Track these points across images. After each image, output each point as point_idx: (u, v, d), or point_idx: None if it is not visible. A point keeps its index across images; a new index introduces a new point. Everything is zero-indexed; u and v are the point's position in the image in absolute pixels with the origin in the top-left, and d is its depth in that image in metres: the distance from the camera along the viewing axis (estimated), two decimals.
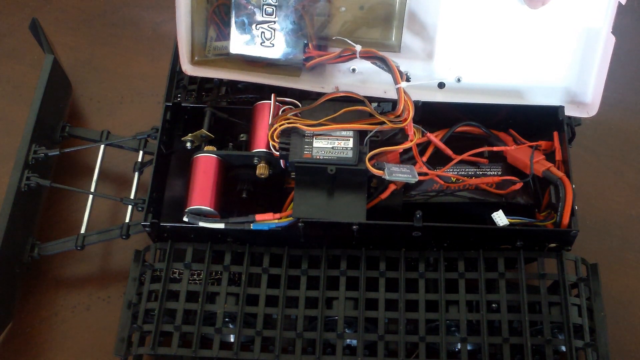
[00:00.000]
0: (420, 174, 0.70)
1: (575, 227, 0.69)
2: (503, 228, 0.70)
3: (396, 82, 0.68)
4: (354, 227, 0.69)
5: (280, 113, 0.73)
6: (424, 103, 0.76)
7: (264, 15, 0.74)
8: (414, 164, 0.73)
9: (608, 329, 0.69)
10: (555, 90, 0.78)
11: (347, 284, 0.71)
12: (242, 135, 0.77)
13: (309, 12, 0.74)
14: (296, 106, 0.74)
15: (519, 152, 0.74)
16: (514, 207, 0.72)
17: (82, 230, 0.79)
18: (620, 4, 0.71)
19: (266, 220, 0.70)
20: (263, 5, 0.74)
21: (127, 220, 0.79)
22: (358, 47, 0.70)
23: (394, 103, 0.73)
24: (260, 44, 0.75)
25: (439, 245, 0.73)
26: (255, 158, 0.73)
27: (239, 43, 0.76)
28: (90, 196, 0.82)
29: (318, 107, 0.71)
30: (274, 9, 0.74)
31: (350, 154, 0.69)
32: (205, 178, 0.73)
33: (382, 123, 0.69)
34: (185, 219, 0.71)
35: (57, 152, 0.83)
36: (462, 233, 0.71)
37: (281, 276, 0.72)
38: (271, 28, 0.74)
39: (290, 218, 0.69)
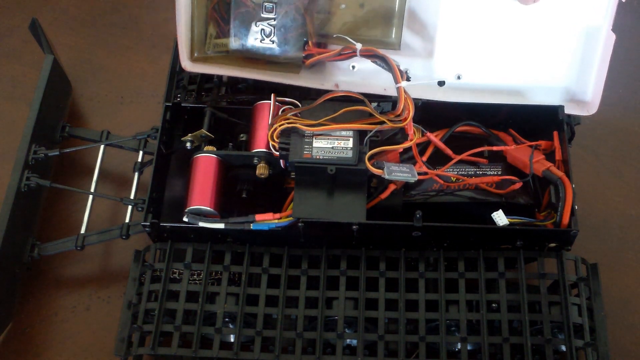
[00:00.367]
0: (420, 173, 0.70)
1: (575, 227, 0.69)
2: (503, 228, 0.70)
3: (396, 81, 0.68)
4: (354, 227, 0.69)
5: (280, 113, 0.73)
6: (424, 103, 0.76)
7: (264, 12, 0.74)
8: (414, 163, 0.73)
9: (608, 329, 0.69)
10: (555, 88, 0.78)
11: (347, 284, 0.71)
12: (242, 135, 0.77)
13: (309, 9, 0.74)
14: (296, 106, 0.74)
15: (519, 151, 0.74)
16: (514, 207, 0.72)
17: (82, 231, 0.79)
18: (620, 2, 0.71)
19: (266, 220, 0.70)
20: (263, 2, 0.74)
21: (127, 220, 0.79)
22: (358, 46, 0.70)
23: (394, 103, 0.73)
24: (260, 41, 0.75)
25: (439, 245, 0.73)
26: (255, 158, 0.73)
27: (238, 40, 0.75)
28: (90, 196, 0.82)
29: (318, 107, 0.71)
30: (274, 6, 0.74)
31: (350, 154, 0.69)
32: (205, 178, 0.73)
33: (382, 122, 0.69)
34: (185, 219, 0.71)
35: (57, 152, 0.83)
36: (462, 233, 0.71)
37: (281, 276, 0.72)
38: (271, 25, 0.74)
39: (290, 218, 0.69)
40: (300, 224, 0.69)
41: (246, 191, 0.75)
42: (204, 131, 0.76)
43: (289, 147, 0.70)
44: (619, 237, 0.85)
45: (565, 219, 0.70)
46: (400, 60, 0.70)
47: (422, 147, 0.76)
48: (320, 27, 0.75)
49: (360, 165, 0.69)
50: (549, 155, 0.75)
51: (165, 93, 0.80)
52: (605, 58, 0.74)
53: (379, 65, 0.70)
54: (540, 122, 0.78)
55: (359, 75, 0.77)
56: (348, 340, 0.71)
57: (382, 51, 0.70)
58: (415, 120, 0.71)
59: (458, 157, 0.74)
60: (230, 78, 0.83)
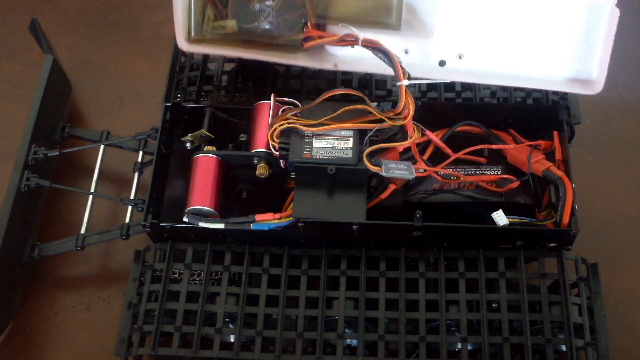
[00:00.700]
0: (419, 171, 0.70)
1: (575, 227, 0.69)
2: (503, 228, 0.70)
3: (398, 79, 0.67)
4: (354, 227, 0.69)
5: (279, 113, 0.73)
6: (424, 103, 0.76)
7: None
8: (414, 162, 0.73)
9: (608, 329, 0.69)
10: (559, 67, 0.75)
11: (347, 284, 0.71)
12: (242, 135, 0.77)
13: None
14: (296, 106, 0.74)
15: (519, 151, 0.74)
16: (513, 206, 0.72)
17: (82, 231, 0.79)
18: None
19: (266, 220, 0.70)
20: None
21: (127, 220, 0.79)
22: (361, 35, 0.68)
23: (394, 103, 0.73)
24: (259, 23, 0.73)
25: (439, 245, 0.73)
26: (255, 158, 0.73)
27: (236, 22, 0.74)
28: (90, 196, 0.82)
29: (317, 107, 0.71)
30: None
31: (350, 154, 0.69)
32: (205, 178, 0.73)
33: (382, 121, 0.69)
34: (185, 219, 0.71)
35: (57, 153, 0.83)
36: (462, 233, 0.71)
37: (281, 276, 0.72)
38: (269, 6, 0.73)
39: (290, 218, 0.69)
40: (300, 224, 0.69)
41: (246, 191, 0.75)
42: (204, 131, 0.76)
43: (289, 147, 0.70)
44: (619, 237, 0.85)
45: (565, 219, 0.70)
46: (400, 40, 0.69)
47: (422, 146, 0.76)
48: (320, 8, 0.73)
49: (360, 165, 0.69)
50: (549, 155, 0.75)
51: (165, 93, 0.80)
52: (610, 35, 0.72)
53: (380, 59, 0.69)
54: (540, 122, 0.78)
55: (358, 54, 0.74)
56: (348, 340, 0.71)
57: (383, 42, 0.68)
58: (415, 119, 0.71)
59: (456, 155, 0.74)
60: (230, 78, 0.83)
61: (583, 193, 0.84)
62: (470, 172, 0.75)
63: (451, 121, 0.76)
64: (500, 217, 0.70)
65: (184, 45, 0.74)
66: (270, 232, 0.71)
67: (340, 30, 0.72)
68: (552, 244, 0.72)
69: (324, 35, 0.72)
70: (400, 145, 0.72)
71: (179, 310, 0.70)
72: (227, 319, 0.71)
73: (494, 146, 0.75)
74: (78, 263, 0.84)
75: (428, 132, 0.74)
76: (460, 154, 0.74)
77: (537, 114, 0.77)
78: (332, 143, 0.70)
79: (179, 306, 0.70)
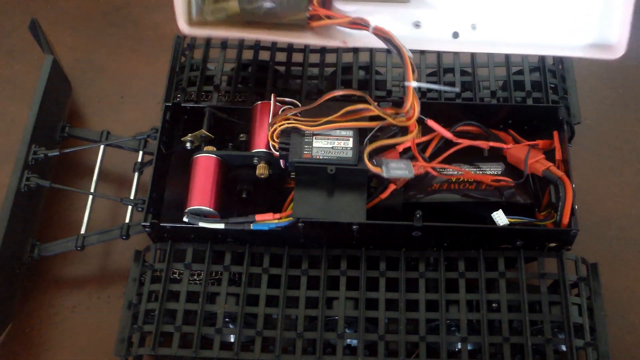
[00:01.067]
0: (418, 169, 0.70)
1: (575, 227, 0.69)
2: (503, 228, 0.70)
3: (407, 79, 0.66)
4: (354, 227, 0.69)
5: (279, 113, 0.73)
6: (424, 103, 0.76)
7: None
8: (413, 159, 0.73)
9: (608, 329, 0.69)
10: (578, 32, 0.71)
11: (347, 284, 0.71)
12: (241, 135, 0.77)
13: None
14: (296, 106, 0.74)
15: (519, 151, 0.74)
16: (513, 206, 0.72)
17: (82, 231, 0.79)
18: None
19: (266, 220, 0.70)
20: None
21: (127, 220, 0.79)
22: (372, 24, 0.66)
23: (394, 102, 0.73)
24: (261, 2, 0.70)
25: (439, 245, 0.73)
26: (255, 158, 0.73)
27: (238, 2, 0.70)
28: (90, 196, 0.82)
29: (318, 106, 0.71)
30: None
31: (350, 154, 0.69)
32: (205, 178, 0.73)
33: (384, 119, 0.69)
34: (185, 219, 0.71)
35: (57, 153, 0.83)
36: (462, 233, 0.71)
37: (281, 276, 0.72)
38: None
39: (290, 218, 0.69)
40: (300, 224, 0.69)
41: (246, 191, 0.75)
42: (203, 131, 0.76)
43: (289, 147, 0.70)
44: (619, 237, 0.85)
45: (565, 219, 0.70)
46: (410, 12, 0.66)
47: (423, 146, 0.76)
48: None
49: (360, 165, 0.69)
50: (549, 155, 0.75)
51: (165, 93, 0.80)
52: None
53: (392, 51, 0.66)
54: (540, 122, 0.78)
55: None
56: (348, 340, 0.71)
57: (393, 15, 0.65)
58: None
59: (457, 147, 0.74)
60: (230, 79, 0.83)
61: (583, 193, 0.84)
62: (470, 172, 0.75)
63: (451, 121, 0.76)
64: (500, 217, 0.70)
65: (185, 28, 0.71)
66: (270, 232, 0.71)
67: (347, 6, 0.68)
68: (552, 244, 0.72)
69: (333, 15, 0.69)
70: (402, 143, 0.71)
71: (179, 310, 0.70)
72: (227, 319, 0.71)
73: (492, 144, 0.75)
74: (78, 263, 0.84)
75: (429, 121, 0.73)
76: (463, 141, 0.74)
77: (537, 114, 0.77)
78: (332, 143, 0.70)
79: (179, 306, 0.70)
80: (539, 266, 0.71)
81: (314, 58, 0.85)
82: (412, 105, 0.67)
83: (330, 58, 0.84)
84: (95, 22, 1.05)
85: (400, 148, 0.72)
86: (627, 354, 0.78)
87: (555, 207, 0.71)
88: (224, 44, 0.85)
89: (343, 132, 0.70)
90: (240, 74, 0.83)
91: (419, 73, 0.80)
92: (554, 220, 0.70)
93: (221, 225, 0.70)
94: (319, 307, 0.70)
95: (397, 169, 0.67)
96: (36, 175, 0.80)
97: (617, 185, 0.89)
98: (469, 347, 0.70)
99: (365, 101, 0.70)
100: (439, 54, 0.83)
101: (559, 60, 0.84)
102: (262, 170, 0.73)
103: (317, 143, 0.70)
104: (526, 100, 0.80)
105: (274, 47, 0.85)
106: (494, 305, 0.70)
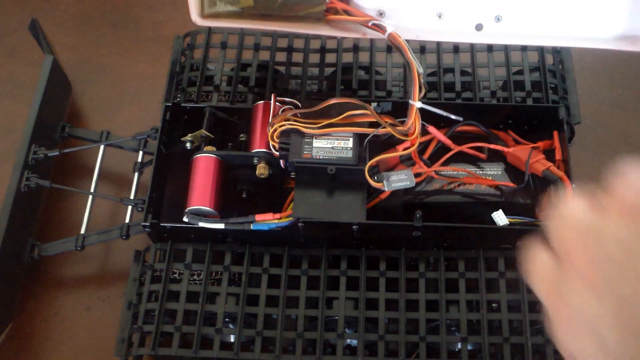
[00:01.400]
0: (417, 175, 0.70)
1: None
2: (503, 228, 0.70)
3: (412, 98, 0.66)
4: (354, 227, 0.69)
5: (279, 113, 0.73)
6: (424, 103, 0.76)
7: None
8: (413, 164, 0.73)
9: None
10: (606, 24, 0.68)
11: (347, 284, 0.71)
12: (241, 135, 0.77)
13: None
14: (296, 106, 0.74)
15: (519, 151, 0.74)
16: (513, 206, 0.72)
17: (82, 231, 0.79)
18: None
19: (266, 220, 0.70)
20: None
21: (127, 220, 0.79)
22: (389, 29, 0.64)
23: (394, 103, 0.73)
24: None
25: (439, 245, 0.73)
26: (255, 158, 0.73)
27: None
28: (90, 196, 0.82)
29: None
30: None
31: (350, 154, 0.69)
32: (205, 178, 0.73)
33: (382, 126, 0.69)
34: (185, 219, 0.71)
35: (57, 153, 0.83)
36: (462, 233, 0.71)
37: (281, 276, 0.72)
38: None
39: (290, 218, 0.69)
40: (300, 224, 0.69)
41: (246, 191, 0.75)
42: (203, 131, 0.76)
43: (289, 147, 0.70)
44: None
45: None
46: (432, 3, 0.64)
47: (423, 146, 0.76)
48: None
49: (360, 165, 0.69)
50: (549, 155, 0.75)
51: (165, 93, 0.80)
52: None
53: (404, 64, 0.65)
54: (540, 122, 0.78)
55: (388, 22, 0.67)
56: (348, 340, 0.71)
57: (413, 5, 0.62)
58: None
59: (457, 149, 0.74)
60: (230, 79, 0.83)
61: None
62: (470, 175, 0.75)
63: (451, 121, 0.76)
64: (500, 217, 0.70)
65: (197, 20, 0.69)
66: (270, 232, 0.71)
67: (365, 1, 0.66)
68: None
69: (350, 10, 0.67)
70: (401, 153, 0.71)
71: (179, 310, 0.70)
72: (227, 319, 0.71)
73: (492, 146, 0.75)
74: (78, 263, 0.84)
75: (430, 127, 0.73)
76: (462, 147, 0.74)
77: (537, 114, 0.77)
78: (332, 143, 0.70)
79: (179, 306, 0.70)
80: None
81: (314, 58, 0.85)
82: (414, 124, 0.67)
83: (330, 58, 0.84)
84: (95, 22, 1.05)
85: (401, 148, 0.72)
86: None
87: None
88: (224, 44, 0.85)
89: (343, 133, 0.70)
90: (240, 74, 0.83)
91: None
92: None
93: (221, 225, 0.70)
94: (319, 307, 0.70)
95: (398, 181, 0.68)
96: (36, 175, 0.80)
97: None
98: (469, 347, 0.70)
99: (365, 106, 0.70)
100: (438, 54, 0.83)
101: (559, 60, 0.84)
102: (262, 170, 0.73)
103: (317, 143, 0.70)
104: (526, 100, 0.80)
105: (273, 47, 0.85)
106: (494, 305, 0.70)
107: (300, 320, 0.69)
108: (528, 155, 0.73)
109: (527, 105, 0.78)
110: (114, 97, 0.97)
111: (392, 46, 0.65)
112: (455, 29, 0.67)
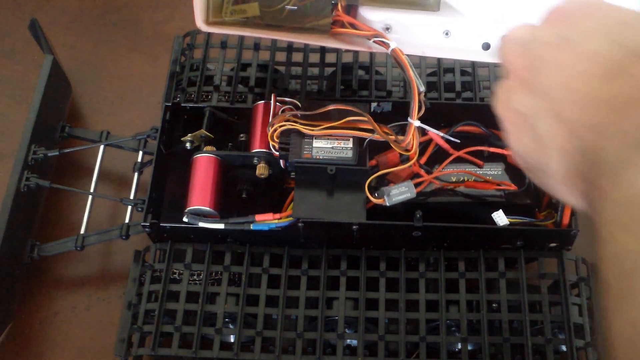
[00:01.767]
0: (417, 185, 0.70)
1: (576, 227, 0.69)
2: (503, 228, 0.70)
3: (410, 117, 0.66)
4: (354, 227, 0.69)
5: (279, 113, 0.73)
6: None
7: None
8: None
9: None
10: None
11: (347, 284, 0.71)
12: (241, 135, 0.77)
13: None
14: (296, 106, 0.74)
15: None
16: (514, 206, 0.72)
17: (82, 231, 0.79)
18: None
19: (266, 221, 0.70)
20: None
21: (126, 220, 0.79)
22: (392, 45, 0.64)
23: (394, 103, 0.73)
24: (284, 5, 0.67)
25: (439, 245, 0.73)
26: (255, 158, 0.73)
27: (258, 4, 0.68)
28: (90, 196, 0.82)
29: (318, 107, 0.71)
30: None
31: (350, 154, 0.69)
32: (205, 178, 0.73)
33: (373, 131, 0.69)
34: (185, 219, 0.71)
35: (57, 153, 0.83)
36: (462, 233, 0.71)
37: (281, 276, 0.71)
38: None
39: (290, 218, 0.69)
40: (300, 224, 0.69)
41: (246, 191, 0.75)
42: (203, 131, 0.76)
43: (289, 147, 0.70)
44: None
45: (566, 219, 0.70)
46: (439, 21, 0.64)
47: (423, 146, 0.76)
48: None
49: (360, 165, 0.69)
50: None
51: (165, 93, 0.80)
52: None
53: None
54: None
55: (394, 36, 0.67)
56: (348, 341, 0.71)
57: (420, 23, 0.62)
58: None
59: (457, 154, 0.74)
60: (230, 79, 0.83)
61: None
62: (470, 176, 0.75)
63: (451, 121, 0.76)
64: (500, 217, 0.70)
65: (202, 26, 0.69)
66: (270, 232, 0.71)
67: (374, 13, 0.66)
68: (553, 244, 0.72)
69: (356, 24, 0.66)
70: (401, 169, 0.71)
71: (179, 310, 0.70)
72: (227, 319, 0.71)
73: (492, 149, 0.75)
74: (78, 263, 0.84)
75: (431, 132, 0.74)
76: (461, 152, 0.74)
77: None
78: (332, 143, 0.70)
79: (179, 306, 0.70)
80: (539, 266, 0.71)
81: (314, 58, 0.85)
82: (411, 141, 0.67)
83: (330, 58, 0.84)
84: (95, 22, 1.05)
85: (402, 167, 0.71)
86: None
87: (555, 207, 0.70)
88: (224, 43, 0.85)
89: (343, 133, 0.70)
90: (240, 74, 0.83)
91: (419, 73, 0.80)
92: (555, 221, 0.70)
93: (221, 226, 0.70)
94: (319, 307, 0.70)
95: (399, 194, 0.68)
96: (36, 175, 0.80)
97: None
98: (469, 347, 0.70)
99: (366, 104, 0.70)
100: None
101: None
102: (262, 170, 0.73)
103: (317, 143, 0.70)
104: None
105: (273, 47, 0.85)
106: (494, 305, 0.70)
107: (300, 320, 0.69)
108: None
109: None
110: (114, 97, 0.97)
111: (395, 61, 0.65)
112: (462, 46, 0.67)
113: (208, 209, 0.72)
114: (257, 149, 0.73)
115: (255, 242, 0.73)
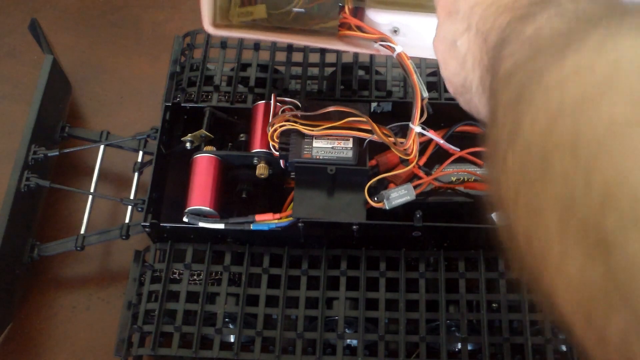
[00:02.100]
0: (417, 185, 0.70)
1: None
2: None
3: (412, 123, 0.66)
4: (354, 227, 0.69)
5: (279, 113, 0.73)
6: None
7: None
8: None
9: None
10: None
11: (347, 284, 0.71)
12: (241, 135, 0.77)
13: None
14: (296, 106, 0.74)
15: None
16: None
17: (82, 231, 0.79)
18: None
19: (266, 221, 0.70)
20: None
21: (127, 220, 0.79)
22: (398, 49, 0.64)
23: (394, 103, 0.73)
24: (291, 8, 0.67)
25: (439, 245, 0.73)
26: (255, 158, 0.73)
27: (265, 7, 0.67)
28: (90, 196, 0.82)
29: (318, 108, 0.71)
30: None
31: (350, 154, 0.69)
32: (205, 178, 0.73)
33: (371, 132, 0.69)
34: (185, 219, 0.71)
35: (57, 153, 0.83)
36: (462, 233, 0.71)
37: (281, 276, 0.71)
38: None
39: (290, 218, 0.69)
40: (300, 224, 0.69)
41: (246, 191, 0.75)
42: (203, 131, 0.76)
43: (289, 147, 0.70)
44: None
45: None
46: None
47: (422, 146, 0.76)
48: None
49: (360, 165, 0.69)
50: None
51: (165, 93, 0.80)
52: None
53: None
54: None
55: (401, 39, 0.67)
56: (348, 341, 0.71)
57: (427, 26, 0.61)
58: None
59: (458, 154, 0.74)
60: (230, 79, 0.83)
61: None
62: (470, 176, 0.75)
63: (451, 121, 0.76)
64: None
65: (210, 29, 0.68)
66: (270, 232, 0.71)
67: (380, 16, 0.66)
68: None
69: (363, 27, 0.66)
70: (403, 172, 0.71)
71: (179, 310, 0.70)
72: (227, 319, 0.71)
73: None
74: (78, 263, 0.84)
75: (431, 132, 0.74)
76: (461, 152, 0.74)
77: None
78: (332, 143, 0.70)
79: (179, 306, 0.70)
80: None
81: (314, 58, 0.85)
82: (411, 146, 0.68)
83: (331, 58, 0.84)
84: (95, 22, 1.05)
85: (402, 172, 0.72)
86: None
87: None
88: (224, 43, 0.85)
89: (343, 133, 0.70)
90: (240, 74, 0.83)
91: (419, 72, 0.80)
92: None
93: (221, 225, 0.70)
94: (319, 307, 0.70)
95: (399, 198, 0.68)
96: (36, 175, 0.80)
97: None
98: (469, 347, 0.70)
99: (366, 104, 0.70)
100: None
101: None
102: (262, 170, 0.73)
103: (317, 143, 0.70)
104: None
105: (273, 47, 0.85)
106: (494, 305, 0.70)
107: (300, 320, 0.69)
108: None
109: None
110: (114, 97, 0.97)
111: (400, 65, 0.65)
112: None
113: (208, 209, 0.72)
114: (257, 149, 0.73)
115: (255, 242, 0.73)
